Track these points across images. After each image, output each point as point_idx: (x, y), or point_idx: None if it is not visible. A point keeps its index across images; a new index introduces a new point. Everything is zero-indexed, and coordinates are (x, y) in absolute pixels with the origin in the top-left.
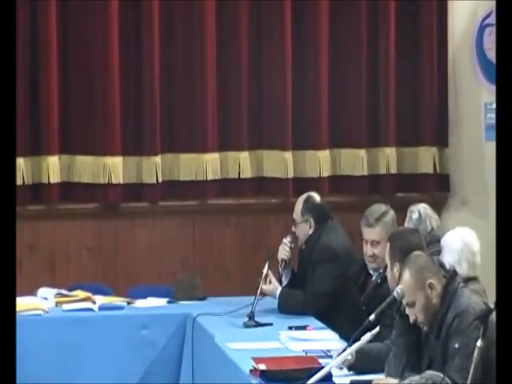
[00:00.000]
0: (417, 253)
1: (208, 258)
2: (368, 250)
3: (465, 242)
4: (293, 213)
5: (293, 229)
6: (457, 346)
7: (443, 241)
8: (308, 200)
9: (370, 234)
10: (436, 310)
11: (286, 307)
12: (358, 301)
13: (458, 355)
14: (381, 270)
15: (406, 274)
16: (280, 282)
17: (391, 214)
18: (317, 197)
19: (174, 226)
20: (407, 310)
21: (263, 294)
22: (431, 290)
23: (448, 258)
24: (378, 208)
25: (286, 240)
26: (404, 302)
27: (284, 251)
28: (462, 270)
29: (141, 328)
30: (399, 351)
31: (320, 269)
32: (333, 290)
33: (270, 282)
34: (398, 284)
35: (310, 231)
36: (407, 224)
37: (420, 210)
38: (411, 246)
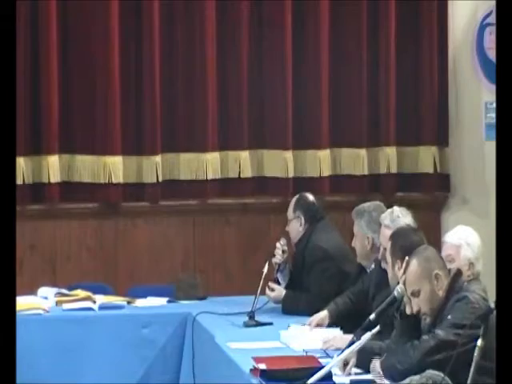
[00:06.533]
0: (425, 246)
1: (208, 257)
2: (353, 241)
3: (478, 239)
4: None
5: (286, 227)
6: (449, 317)
7: (450, 237)
8: (300, 198)
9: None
10: (440, 303)
11: (291, 311)
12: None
13: (451, 320)
14: (372, 266)
15: (413, 263)
16: (277, 285)
17: (374, 214)
18: (309, 196)
19: (173, 225)
20: (411, 300)
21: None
22: (437, 281)
23: (468, 253)
24: (368, 205)
25: (279, 244)
26: (409, 291)
27: (277, 255)
28: (479, 266)
29: (141, 327)
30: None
31: (314, 270)
32: (332, 289)
33: (273, 290)
34: (399, 282)
35: (301, 229)
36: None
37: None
38: (413, 245)
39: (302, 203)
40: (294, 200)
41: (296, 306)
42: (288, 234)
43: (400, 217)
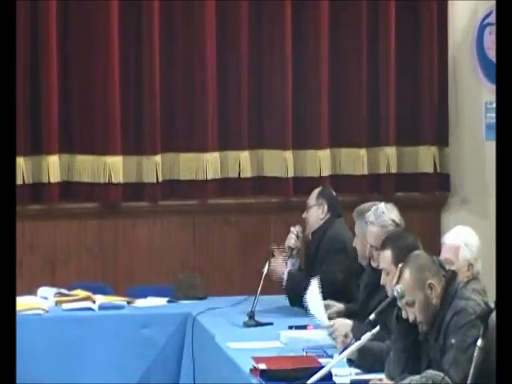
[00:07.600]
0: (417, 252)
1: (208, 257)
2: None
3: (477, 239)
4: (293, 213)
5: (304, 214)
6: (453, 341)
7: (448, 238)
8: (325, 188)
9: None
10: (435, 310)
11: (293, 290)
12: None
13: (454, 349)
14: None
15: (406, 273)
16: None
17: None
18: (333, 190)
19: (173, 225)
20: (407, 309)
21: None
22: (431, 290)
23: (467, 254)
24: (369, 205)
25: (294, 229)
26: (404, 301)
27: (291, 239)
28: (478, 266)
29: (141, 327)
30: (397, 354)
31: (328, 260)
32: (342, 282)
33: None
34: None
35: (322, 216)
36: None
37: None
38: (412, 246)
39: (326, 192)
40: (317, 189)
41: (300, 285)
42: (305, 219)
43: (385, 212)
